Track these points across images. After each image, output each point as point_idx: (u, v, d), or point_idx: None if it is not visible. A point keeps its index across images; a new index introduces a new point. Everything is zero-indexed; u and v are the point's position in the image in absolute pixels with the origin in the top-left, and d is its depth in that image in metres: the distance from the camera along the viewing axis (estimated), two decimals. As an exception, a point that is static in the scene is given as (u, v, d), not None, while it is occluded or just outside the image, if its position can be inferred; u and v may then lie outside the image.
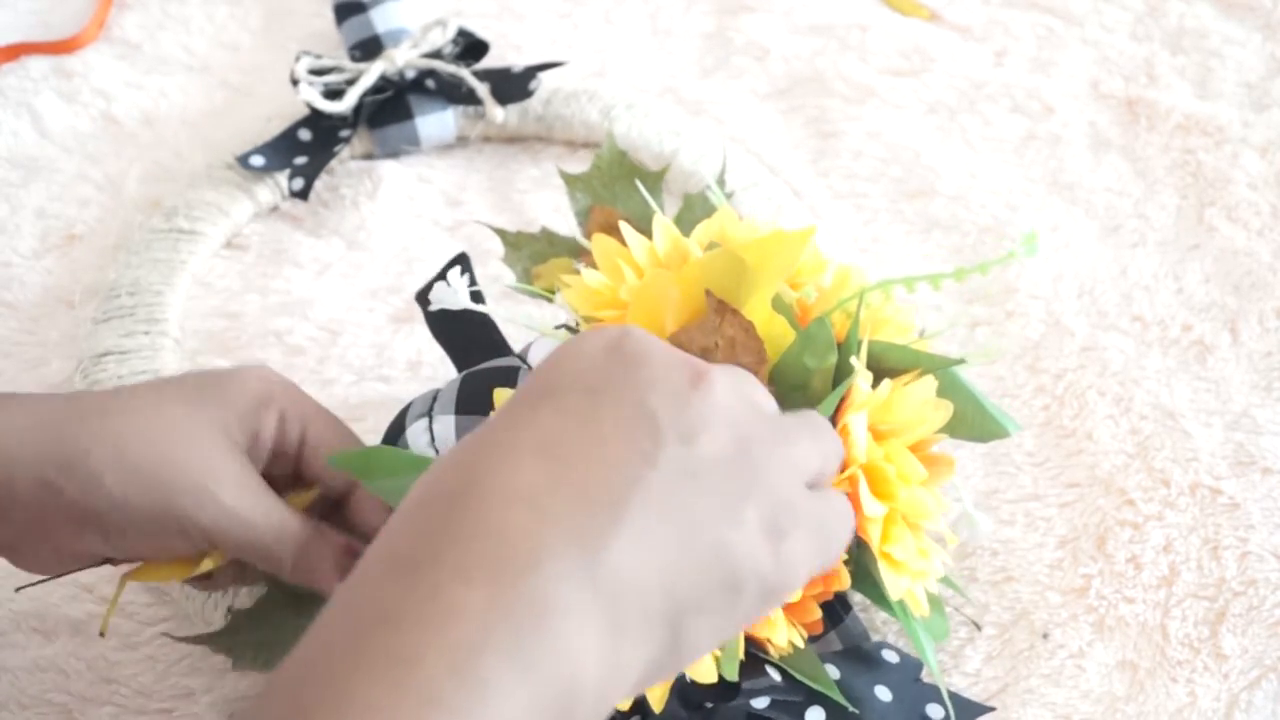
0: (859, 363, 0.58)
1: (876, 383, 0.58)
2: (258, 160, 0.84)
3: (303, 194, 0.83)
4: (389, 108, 0.88)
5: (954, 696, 0.61)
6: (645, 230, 0.63)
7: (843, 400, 0.58)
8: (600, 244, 0.63)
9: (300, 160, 0.85)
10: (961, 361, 0.59)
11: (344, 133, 0.86)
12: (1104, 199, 0.86)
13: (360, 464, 0.58)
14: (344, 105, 0.85)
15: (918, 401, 0.59)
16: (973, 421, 0.61)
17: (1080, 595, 0.67)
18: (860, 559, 0.59)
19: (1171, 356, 0.77)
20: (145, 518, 0.53)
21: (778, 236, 0.59)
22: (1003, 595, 0.67)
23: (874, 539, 0.57)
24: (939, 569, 0.60)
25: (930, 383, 0.59)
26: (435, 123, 0.88)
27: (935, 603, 0.63)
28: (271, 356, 0.77)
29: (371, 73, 0.86)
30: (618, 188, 0.72)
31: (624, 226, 0.63)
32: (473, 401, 0.62)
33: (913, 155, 0.89)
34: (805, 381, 0.59)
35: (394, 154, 0.89)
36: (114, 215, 0.85)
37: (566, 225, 0.74)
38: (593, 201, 0.72)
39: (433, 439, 0.63)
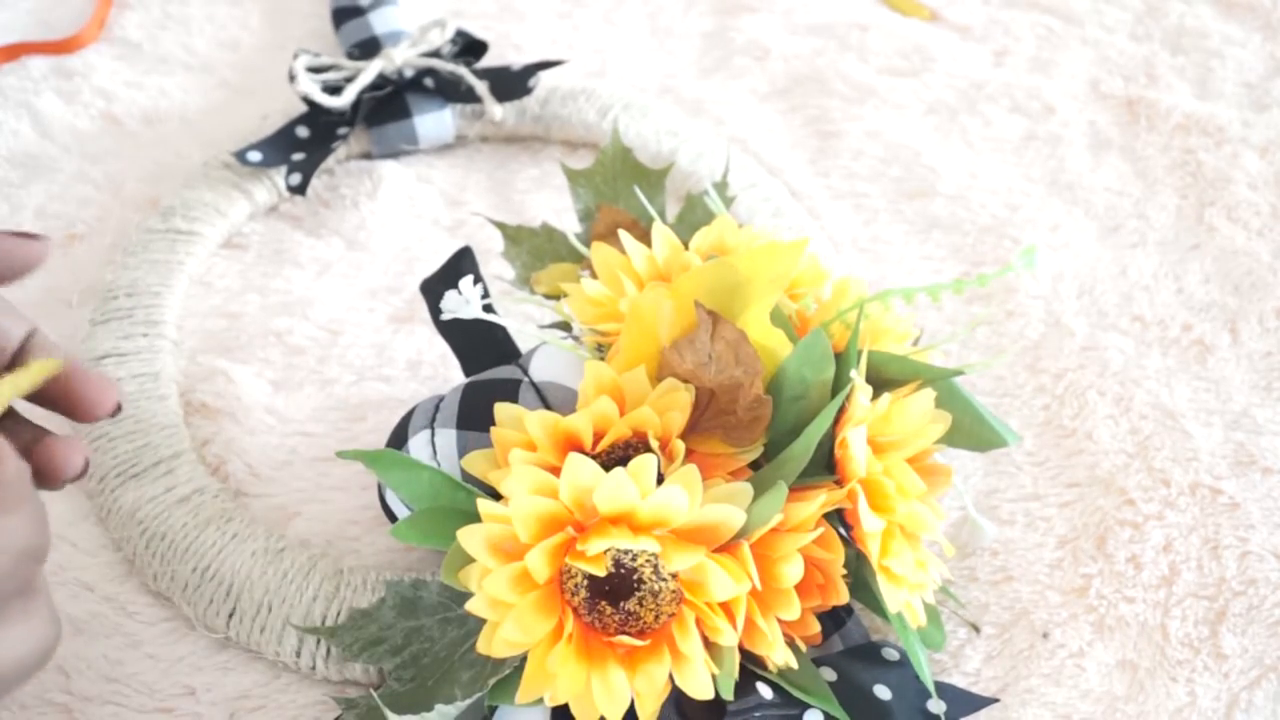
0: (858, 376, 0.58)
1: (876, 393, 0.59)
2: (255, 156, 0.84)
3: (300, 189, 0.83)
4: (387, 106, 0.88)
5: (956, 690, 0.62)
6: (644, 227, 0.64)
7: (841, 412, 0.58)
8: (600, 253, 0.63)
9: (298, 156, 0.85)
10: (960, 372, 0.59)
11: (342, 130, 0.86)
12: (1104, 199, 0.86)
13: (372, 460, 0.58)
14: (343, 101, 0.85)
15: (917, 414, 0.59)
16: (971, 431, 0.62)
17: (1080, 595, 0.66)
18: (859, 571, 0.59)
19: (1171, 356, 0.77)
20: None
21: (772, 247, 0.59)
22: (1003, 595, 0.67)
23: (873, 553, 0.57)
24: (936, 580, 0.60)
25: (929, 395, 0.59)
26: (433, 122, 0.88)
27: (932, 613, 0.63)
28: (272, 356, 0.77)
29: (370, 70, 0.86)
30: (620, 184, 0.73)
31: (623, 235, 0.63)
32: (474, 415, 0.63)
33: (913, 155, 0.89)
34: (803, 393, 0.59)
35: (392, 153, 0.89)
36: (114, 215, 0.85)
37: (567, 227, 0.74)
38: (596, 197, 0.73)
39: (434, 452, 0.63)
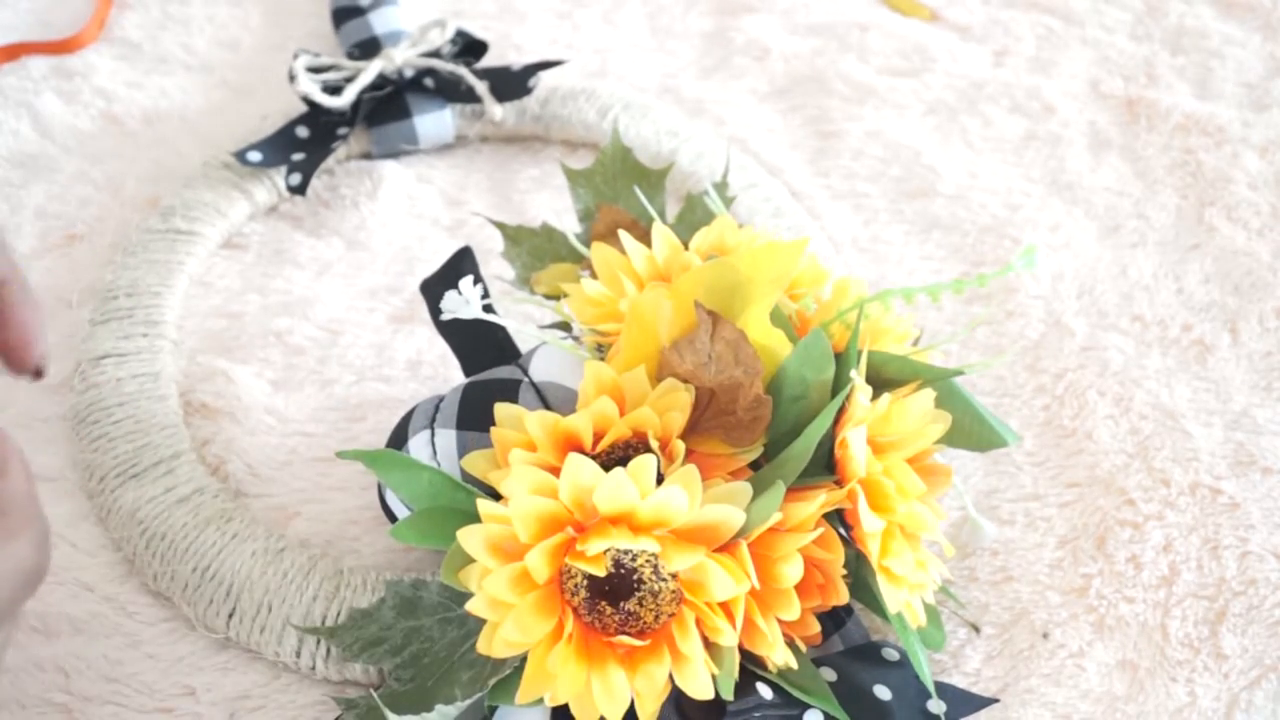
0: (858, 376, 0.58)
1: (876, 393, 0.59)
2: (255, 156, 0.84)
3: (300, 189, 0.83)
4: (387, 106, 0.88)
5: (956, 690, 0.62)
6: (644, 227, 0.64)
7: (841, 412, 0.58)
8: (600, 253, 0.63)
9: (298, 156, 0.85)
10: (960, 372, 0.59)
11: (342, 130, 0.86)
12: (1104, 199, 0.86)
13: (372, 460, 0.58)
14: (343, 101, 0.84)
15: (917, 414, 0.59)
16: (971, 432, 0.62)
17: (1080, 595, 0.66)
18: (859, 571, 0.59)
19: (1171, 356, 0.77)
20: None
21: (772, 247, 0.59)
22: (1003, 595, 0.67)
23: (873, 553, 0.57)
24: (936, 580, 0.60)
25: (929, 395, 0.59)
26: (433, 122, 0.88)
27: (932, 613, 0.63)
28: (272, 356, 0.77)
29: (370, 70, 0.86)
30: (620, 184, 0.73)
31: (623, 235, 0.63)
32: (474, 416, 0.62)
33: (913, 155, 0.89)
34: (803, 393, 0.59)
35: (392, 153, 0.89)
36: (114, 215, 0.85)
37: (567, 227, 0.74)
38: (596, 197, 0.73)
39: (434, 452, 0.63)
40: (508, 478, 0.55)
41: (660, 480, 0.55)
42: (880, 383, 0.60)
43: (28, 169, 0.88)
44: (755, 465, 0.59)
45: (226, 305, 0.80)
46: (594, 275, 0.64)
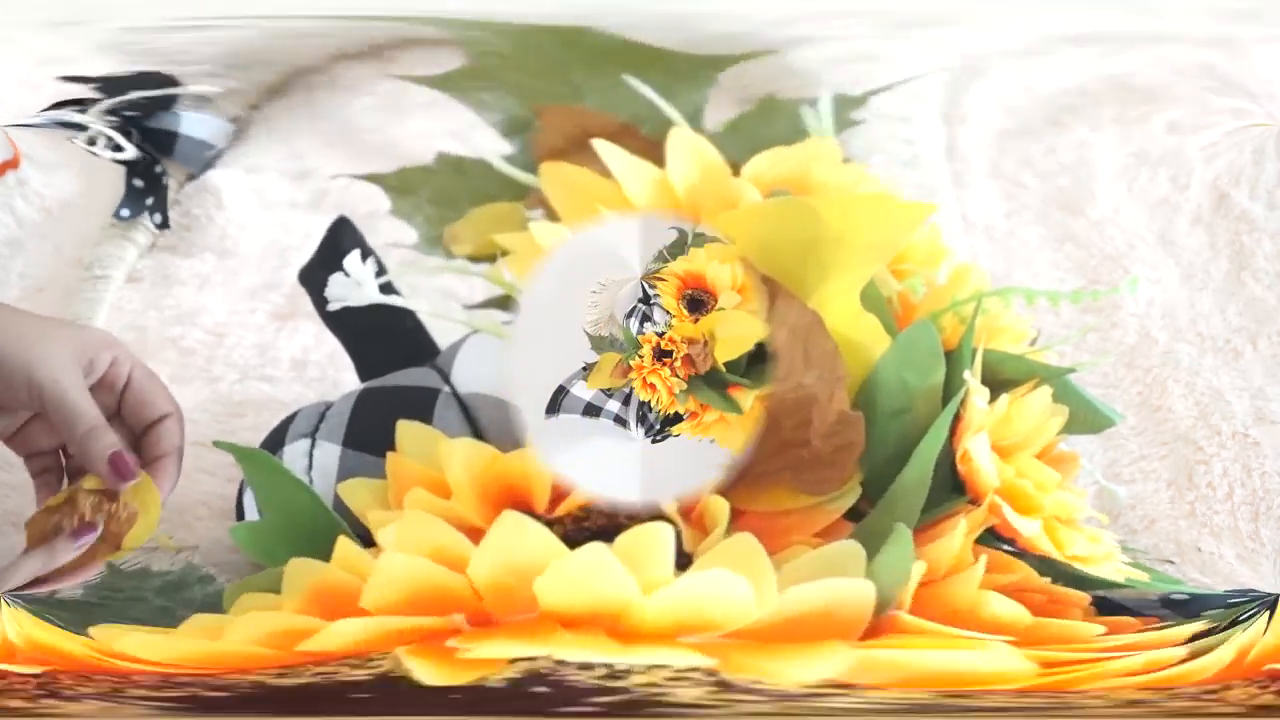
0: (972, 378, 0.47)
1: (992, 395, 0.53)
2: (125, 212, 0.96)
3: (164, 224, 0.95)
4: (155, 138, 0.94)
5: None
6: (648, 134, 0.48)
7: (957, 421, 0.47)
8: (556, 175, 0.48)
9: (150, 201, 0.96)
10: (1074, 370, 0.62)
11: (157, 168, 0.96)
12: (1187, 256, 1.04)
13: (246, 456, 0.54)
14: (130, 153, 0.92)
15: (1037, 411, 0.57)
16: (1085, 419, 0.64)
17: (1190, 516, 0.81)
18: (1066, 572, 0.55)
19: (1219, 358, 0.95)
20: (7, 369, 0.66)
21: (881, 200, 0.45)
22: (1156, 535, 0.79)
23: (1052, 552, 0.55)
24: (1113, 544, 0.61)
25: (1046, 392, 0.58)
26: (199, 123, 0.96)
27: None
28: (168, 357, 0.84)
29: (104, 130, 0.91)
30: (577, 75, 0.56)
31: (601, 145, 0.48)
32: (368, 432, 0.52)
33: (1088, 174, 1.05)
34: (906, 405, 0.46)
35: (208, 164, 0.98)
36: (61, 274, 0.94)
37: (483, 150, 0.60)
38: (521, 99, 0.56)
39: (310, 465, 0.53)
40: (391, 524, 0.40)
41: (688, 560, 0.39)
42: (995, 384, 0.54)
43: (13, 246, 0.97)
44: (853, 514, 0.45)
45: (134, 322, 0.88)
46: (550, 214, 0.48)
